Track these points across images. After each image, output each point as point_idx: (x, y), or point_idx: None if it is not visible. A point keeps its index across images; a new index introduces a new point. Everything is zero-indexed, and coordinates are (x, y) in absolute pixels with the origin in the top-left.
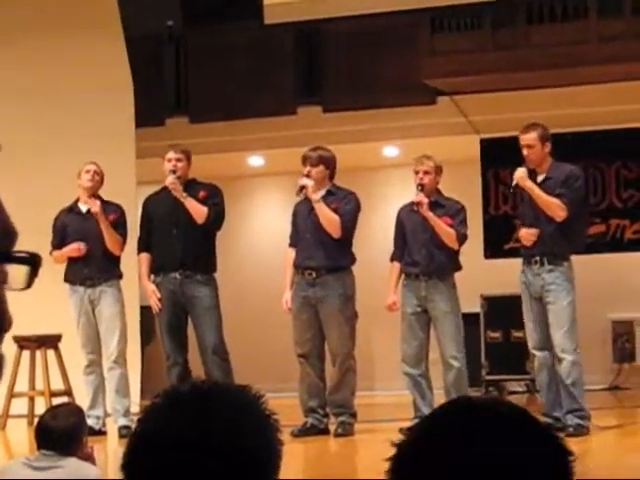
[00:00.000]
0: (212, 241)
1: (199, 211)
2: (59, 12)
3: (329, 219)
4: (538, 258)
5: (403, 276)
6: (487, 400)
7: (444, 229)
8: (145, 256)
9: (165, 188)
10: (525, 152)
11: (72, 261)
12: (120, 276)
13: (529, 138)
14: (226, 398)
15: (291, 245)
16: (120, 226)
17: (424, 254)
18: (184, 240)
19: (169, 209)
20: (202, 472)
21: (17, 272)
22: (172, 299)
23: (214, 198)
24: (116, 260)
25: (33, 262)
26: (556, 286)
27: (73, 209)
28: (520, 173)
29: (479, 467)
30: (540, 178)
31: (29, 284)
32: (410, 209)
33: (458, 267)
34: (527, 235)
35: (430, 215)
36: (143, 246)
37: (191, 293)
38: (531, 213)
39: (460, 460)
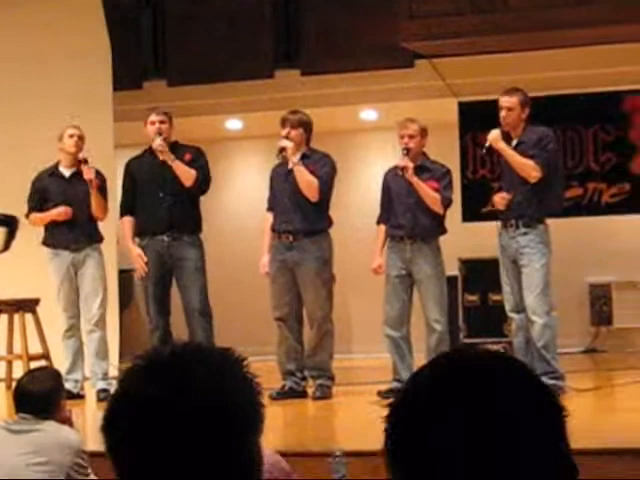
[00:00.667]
0: (197, 202)
1: (187, 174)
2: None
3: (308, 182)
4: (513, 221)
5: (388, 239)
6: (483, 352)
7: (429, 193)
8: (128, 219)
9: (148, 151)
10: (503, 114)
11: (54, 225)
12: (101, 239)
13: (510, 101)
14: (207, 359)
15: (269, 209)
16: (104, 191)
17: (409, 217)
18: (171, 202)
19: (154, 172)
20: (181, 432)
21: None
22: (159, 262)
23: (199, 160)
24: (96, 224)
25: (10, 224)
26: (529, 249)
27: (54, 173)
28: (493, 134)
29: (467, 420)
30: (514, 142)
31: (7, 246)
32: (395, 173)
33: (443, 231)
34: (500, 199)
35: (415, 180)
36: (126, 209)
37: (179, 255)
38: (507, 176)
39: (449, 415)
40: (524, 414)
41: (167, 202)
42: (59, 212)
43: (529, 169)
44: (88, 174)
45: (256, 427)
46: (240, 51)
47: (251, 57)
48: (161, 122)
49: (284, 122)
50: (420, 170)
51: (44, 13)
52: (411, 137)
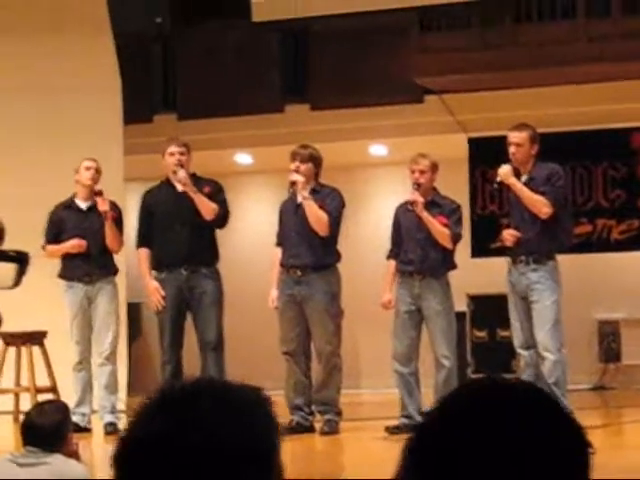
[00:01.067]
0: (214, 233)
1: (208, 208)
2: (47, 8)
3: (317, 217)
4: (523, 257)
5: (398, 274)
6: (512, 383)
7: (438, 228)
8: (145, 251)
9: (165, 182)
10: (512, 150)
11: (69, 257)
12: (116, 272)
13: (519, 136)
14: (220, 397)
15: (278, 244)
16: (120, 223)
17: (419, 253)
18: (189, 236)
19: (171, 204)
20: (191, 471)
21: (6, 271)
22: (177, 296)
23: (220, 195)
24: (111, 256)
25: (21, 260)
26: (540, 285)
27: (71, 205)
28: (504, 170)
29: (493, 452)
30: (524, 178)
31: (17, 282)
32: (406, 208)
33: (453, 266)
34: (509, 236)
35: (425, 215)
36: (143, 241)
37: (197, 288)
38: (516, 213)
39: (475, 445)
40: (553, 447)
41: (185, 234)
42: (73, 244)
43: (540, 205)
44: (103, 206)
45: (269, 466)
46: (250, 85)
47: (261, 91)
48: (181, 154)
49: (294, 156)
50: (430, 205)
51: (55, 46)
52: (422, 172)
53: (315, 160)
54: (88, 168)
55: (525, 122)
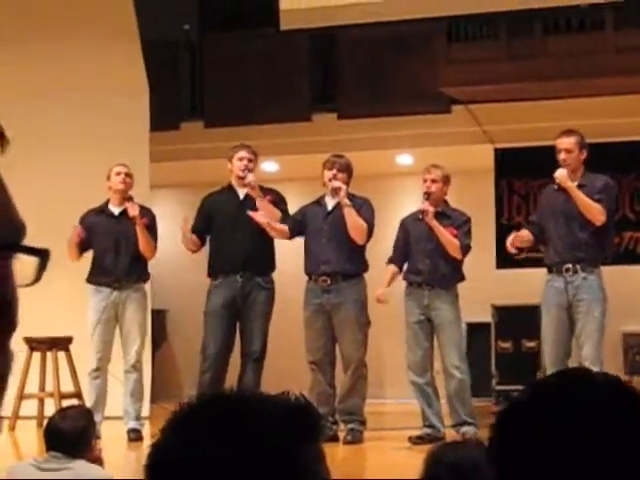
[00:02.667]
0: (272, 242)
1: (274, 214)
2: (76, 15)
3: (358, 225)
4: (570, 266)
5: (405, 285)
6: (605, 379)
7: (448, 239)
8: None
9: (227, 187)
10: (562, 156)
11: (99, 262)
12: (147, 279)
13: (568, 142)
14: (265, 414)
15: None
16: (153, 229)
17: (428, 263)
18: (248, 243)
19: (232, 210)
20: None
21: (26, 266)
22: (230, 303)
23: (283, 204)
24: (144, 263)
25: (41, 254)
26: (589, 295)
27: (104, 211)
28: (563, 173)
29: (584, 449)
30: (574, 185)
31: (38, 277)
32: (415, 218)
33: (462, 278)
34: (516, 239)
35: (435, 224)
36: (195, 230)
37: (250, 296)
38: (559, 220)
39: (561, 436)
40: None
41: (244, 242)
42: (72, 234)
43: (596, 212)
44: (132, 211)
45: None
46: (277, 93)
47: (288, 100)
48: (249, 160)
49: (332, 165)
50: (440, 217)
51: (83, 53)
52: (433, 181)
53: (350, 170)
54: (118, 173)
55: (571, 128)
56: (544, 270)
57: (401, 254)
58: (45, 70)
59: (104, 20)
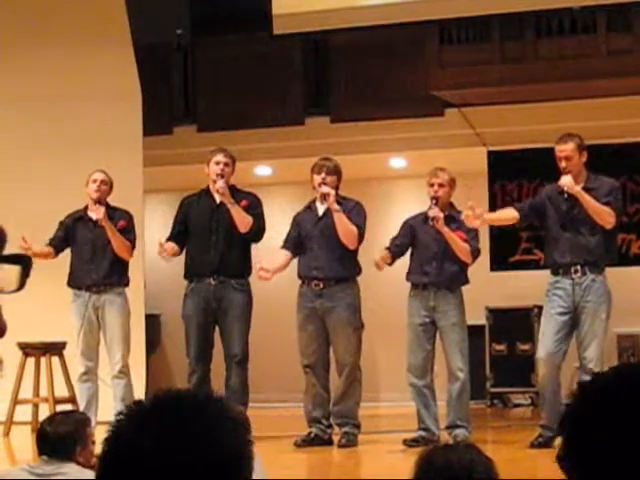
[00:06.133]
0: (249, 247)
1: (244, 220)
2: (67, 20)
3: (348, 230)
4: (579, 267)
5: (409, 286)
6: None
7: (459, 244)
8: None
9: (204, 191)
10: (563, 164)
11: (77, 266)
12: (127, 283)
13: (567, 149)
14: (198, 411)
15: (284, 247)
16: (129, 232)
17: (435, 266)
18: (222, 247)
19: (208, 214)
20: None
21: (9, 274)
22: (203, 306)
23: (257, 209)
24: (124, 267)
25: (23, 262)
26: (597, 297)
27: (83, 217)
28: (569, 180)
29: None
30: (578, 188)
31: (21, 285)
32: (422, 221)
33: (466, 281)
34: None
35: (446, 230)
36: (169, 238)
37: (225, 299)
38: (568, 222)
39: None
40: None
41: (218, 245)
42: (39, 251)
43: (606, 215)
44: (97, 214)
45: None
46: (270, 98)
47: (281, 104)
48: (225, 164)
49: (320, 168)
50: (448, 220)
51: (75, 58)
52: (441, 186)
53: (339, 173)
54: (95, 181)
55: (569, 132)
56: (538, 272)
57: (398, 251)
58: (37, 76)
59: (96, 25)
